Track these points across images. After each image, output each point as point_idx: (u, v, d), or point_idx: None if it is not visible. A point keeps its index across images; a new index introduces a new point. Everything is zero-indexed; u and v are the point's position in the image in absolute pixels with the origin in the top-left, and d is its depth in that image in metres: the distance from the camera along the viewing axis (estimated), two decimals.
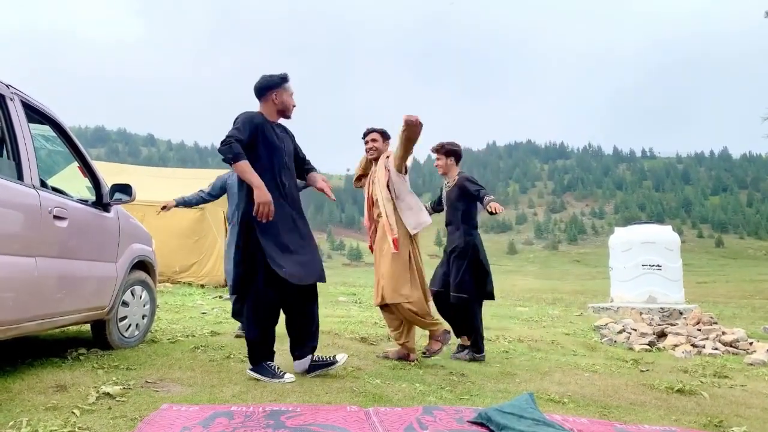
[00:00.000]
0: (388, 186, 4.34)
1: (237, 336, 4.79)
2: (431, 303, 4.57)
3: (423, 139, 4.12)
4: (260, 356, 3.43)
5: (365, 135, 4.55)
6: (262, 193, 3.21)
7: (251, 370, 3.44)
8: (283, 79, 3.51)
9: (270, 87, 3.48)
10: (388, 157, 4.40)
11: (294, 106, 3.60)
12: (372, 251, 4.51)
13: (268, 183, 3.32)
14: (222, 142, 3.28)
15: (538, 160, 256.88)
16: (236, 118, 3.39)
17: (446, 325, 4.62)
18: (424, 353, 4.40)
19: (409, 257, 4.27)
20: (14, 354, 3.65)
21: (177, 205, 5.26)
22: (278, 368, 3.44)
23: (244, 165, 3.25)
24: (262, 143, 3.41)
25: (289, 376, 3.39)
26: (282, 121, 3.66)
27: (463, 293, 4.65)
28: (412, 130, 3.97)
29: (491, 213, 4.41)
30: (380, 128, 4.55)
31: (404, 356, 4.37)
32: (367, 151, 4.52)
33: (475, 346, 4.75)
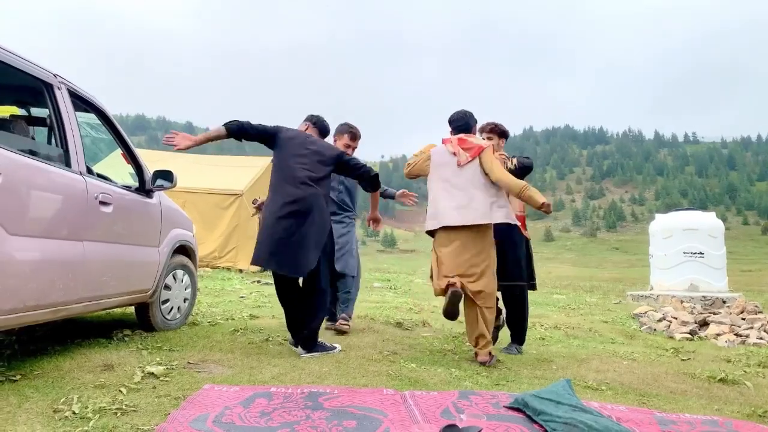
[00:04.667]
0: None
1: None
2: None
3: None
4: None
5: None
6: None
7: (314, 351, 3.71)
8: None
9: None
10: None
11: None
12: None
13: None
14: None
15: (576, 146, 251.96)
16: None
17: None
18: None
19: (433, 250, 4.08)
20: (64, 334, 3.80)
21: None
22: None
23: None
24: None
25: (338, 347, 3.89)
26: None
27: None
28: None
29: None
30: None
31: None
32: None
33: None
